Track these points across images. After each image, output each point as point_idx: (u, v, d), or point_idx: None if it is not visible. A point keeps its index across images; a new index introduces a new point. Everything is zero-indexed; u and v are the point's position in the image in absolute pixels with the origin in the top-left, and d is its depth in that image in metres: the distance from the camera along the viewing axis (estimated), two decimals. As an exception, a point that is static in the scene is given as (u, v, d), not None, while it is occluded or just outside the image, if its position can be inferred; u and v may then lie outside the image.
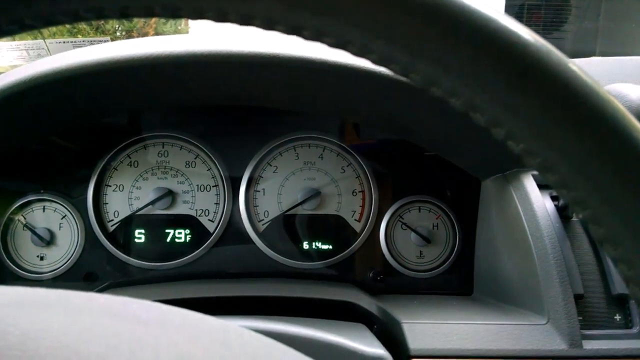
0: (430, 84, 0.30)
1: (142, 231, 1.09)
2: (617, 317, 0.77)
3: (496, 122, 0.30)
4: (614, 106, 0.28)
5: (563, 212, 0.83)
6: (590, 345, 0.72)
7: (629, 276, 0.30)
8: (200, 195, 1.10)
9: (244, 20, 0.29)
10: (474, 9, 0.27)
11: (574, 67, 0.28)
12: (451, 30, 0.27)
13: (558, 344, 0.72)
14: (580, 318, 0.75)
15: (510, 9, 2.38)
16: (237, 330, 0.34)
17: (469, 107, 0.30)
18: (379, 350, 0.66)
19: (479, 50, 0.27)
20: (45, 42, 1.34)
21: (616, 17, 2.39)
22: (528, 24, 2.42)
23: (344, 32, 0.29)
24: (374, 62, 0.30)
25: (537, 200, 0.83)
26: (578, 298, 0.76)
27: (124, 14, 0.30)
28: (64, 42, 1.32)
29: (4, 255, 1.07)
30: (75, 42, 1.31)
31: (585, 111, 0.27)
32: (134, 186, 1.10)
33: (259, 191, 1.11)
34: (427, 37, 0.28)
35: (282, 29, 0.30)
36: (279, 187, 1.11)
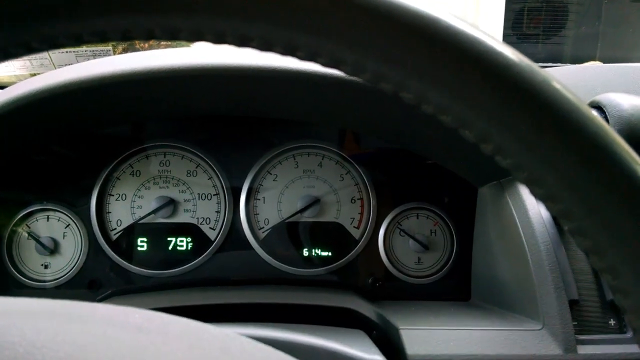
0: (421, 102, 0.31)
1: (145, 239, 1.11)
2: (612, 322, 0.78)
3: (484, 138, 0.31)
4: (597, 122, 0.29)
5: (558, 219, 0.83)
6: (584, 350, 0.73)
7: (614, 286, 0.31)
8: (201, 204, 1.12)
9: (241, 42, 0.31)
10: (461, 30, 0.28)
11: (558, 85, 0.29)
12: (439, 52, 0.28)
13: (553, 349, 0.73)
14: (575, 323, 0.76)
15: (510, 14, 2.39)
16: (237, 338, 0.35)
17: (458, 123, 0.31)
18: (376, 356, 0.67)
19: (465, 70, 0.29)
20: (47, 51, 1.34)
21: (616, 22, 2.39)
22: (528, 28, 2.42)
23: (337, 53, 0.30)
24: (367, 80, 0.31)
25: (532, 207, 0.84)
26: (573, 303, 0.77)
27: (126, 37, 0.31)
28: (67, 51, 1.33)
29: (9, 264, 1.08)
30: (77, 51, 1.32)
31: (569, 127, 0.28)
32: (136, 195, 1.11)
33: (259, 199, 1.12)
34: (416, 58, 0.29)
35: (278, 51, 0.31)
36: (278, 195, 1.12)
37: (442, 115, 0.31)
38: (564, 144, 0.29)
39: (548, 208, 0.31)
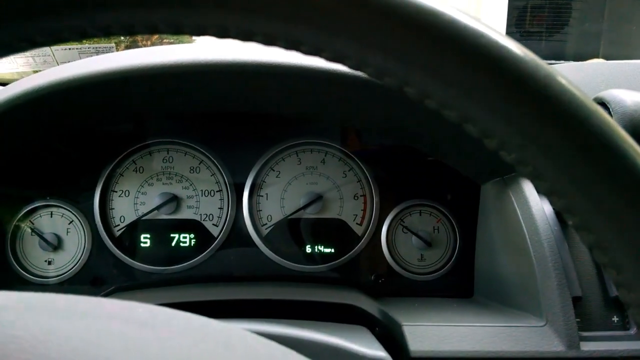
0: (424, 97, 0.31)
1: (148, 236, 1.11)
2: (615, 319, 0.78)
3: (488, 133, 0.31)
4: (601, 117, 0.29)
5: (561, 216, 0.83)
6: (587, 347, 0.73)
7: (618, 280, 0.31)
8: (204, 200, 1.12)
9: (245, 37, 0.31)
10: (465, 24, 0.28)
11: (562, 80, 0.29)
12: (443, 46, 0.28)
13: (556, 346, 0.73)
14: (578, 320, 0.76)
15: (513, 11, 2.38)
16: (240, 333, 0.35)
17: (461, 118, 0.31)
18: (379, 352, 0.67)
19: (469, 65, 0.28)
20: (50, 48, 1.34)
21: (619, 20, 2.39)
22: (531, 25, 2.42)
23: (341, 47, 0.30)
24: (371, 75, 0.31)
25: (535, 204, 0.84)
26: (576, 300, 0.77)
27: (130, 32, 0.31)
28: (70, 48, 1.33)
29: (13, 260, 1.08)
30: (80, 48, 1.32)
31: (573, 121, 0.28)
32: (139, 192, 1.11)
33: (262, 196, 1.12)
34: (420, 52, 0.29)
35: (281, 45, 0.31)
36: (281, 191, 1.12)
37: (446, 110, 0.31)
38: (568, 138, 0.29)
39: (552, 203, 0.31)
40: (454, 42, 0.28)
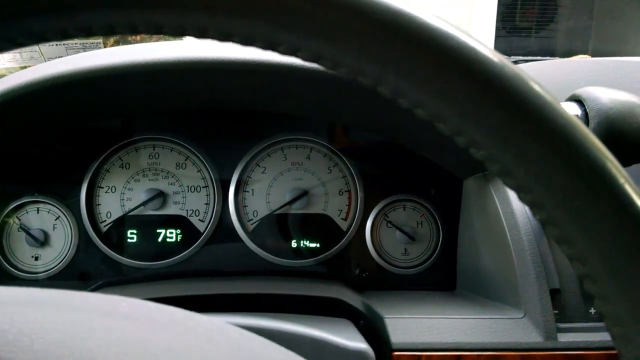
0: (397, 96, 0.32)
1: (134, 231, 1.11)
2: (592, 311, 0.79)
3: (457, 131, 0.32)
4: (564, 115, 0.30)
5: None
6: (565, 338, 0.75)
7: (583, 273, 0.32)
8: (190, 196, 1.12)
9: (223, 37, 0.32)
10: (435, 26, 0.29)
11: (527, 79, 0.30)
12: (413, 47, 0.29)
13: (534, 337, 0.74)
14: (556, 312, 0.78)
15: (502, 6, 2.39)
16: (223, 326, 0.36)
17: (432, 117, 0.32)
18: (361, 344, 0.69)
19: (437, 65, 0.30)
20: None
21: (609, 16, 2.40)
22: (521, 20, 2.42)
23: (317, 48, 0.31)
24: (345, 75, 0.32)
25: (515, 198, 0.85)
26: (554, 293, 0.78)
27: (111, 32, 0.32)
28: (57, 44, 1.33)
29: (0, 256, 1.08)
30: (67, 44, 1.32)
31: (539, 120, 0.30)
32: (125, 187, 1.11)
33: (248, 191, 1.13)
34: (392, 52, 0.30)
35: (258, 46, 0.32)
36: (267, 187, 1.13)
37: (417, 108, 0.32)
38: (532, 136, 0.30)
39: (520, 198, 0.33)
40: (424, 44, 0.29)
